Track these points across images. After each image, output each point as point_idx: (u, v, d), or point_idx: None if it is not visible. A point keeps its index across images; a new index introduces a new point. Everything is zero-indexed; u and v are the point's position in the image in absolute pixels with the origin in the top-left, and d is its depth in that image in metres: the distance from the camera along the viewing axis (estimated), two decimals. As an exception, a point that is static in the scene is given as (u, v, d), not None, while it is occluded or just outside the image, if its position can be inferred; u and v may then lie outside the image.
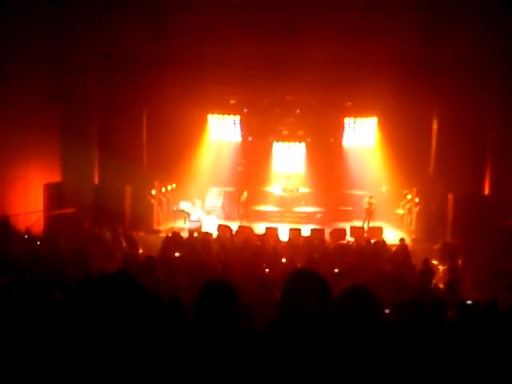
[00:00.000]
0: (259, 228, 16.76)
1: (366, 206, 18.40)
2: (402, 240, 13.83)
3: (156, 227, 17.64)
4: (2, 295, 4.66)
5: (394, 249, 13.39)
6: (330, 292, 2.28)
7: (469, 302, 6.75)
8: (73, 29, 16.29)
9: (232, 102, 20.56)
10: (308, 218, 19.67)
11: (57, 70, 16.38)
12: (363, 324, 2.45)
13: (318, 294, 2.22)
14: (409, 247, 13.57)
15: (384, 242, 14.09)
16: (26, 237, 12.91)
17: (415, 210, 17.36)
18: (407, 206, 18.20)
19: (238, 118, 21.31)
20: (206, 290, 2.86)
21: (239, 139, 21.81)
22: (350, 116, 20.84)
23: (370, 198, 18.43)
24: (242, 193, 19.37)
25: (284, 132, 21.72)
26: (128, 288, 1.95)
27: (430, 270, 10.78)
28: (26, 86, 14.52)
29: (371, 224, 18.09)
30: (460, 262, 12.24)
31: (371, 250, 12.96)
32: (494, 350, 3.00)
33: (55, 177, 16.97)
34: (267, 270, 10.10)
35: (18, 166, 14.83)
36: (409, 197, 18.20)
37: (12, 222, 13.24)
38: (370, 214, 18.28)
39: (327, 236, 15.40)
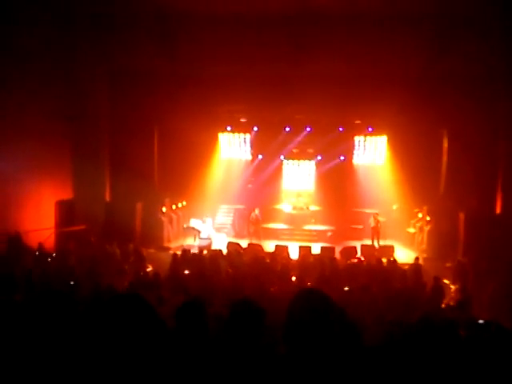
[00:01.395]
0: (269, 246, 16.74)
1: (372, 223, 18.31)
2: (416, 259, 13.73)
3: (166, 244, 17.68)
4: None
5: (405, 267, 13.28)
6: (335, 313, 2.24)
7: (480, 322, 6.65)
8: (83, 47, 16.52)
9: (242, 120, 20.73)
10: (318, 236, 19.61)
11: (68, 89, 16.56)
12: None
13: (324, 314, 2.19)
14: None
15: (395, 260, 13.98)
16: (38, 253, 12.99)
17: (426, 228, 17.23)
18: (418, 224, 18.06)
19: (248, 136, 21.46)
20: (236, 309, 2.87)
21: (249, 157, 21.93)
22: (360, 134, 20.91)
23: (377, 215, 18.35)
24: (252, 210, 19.38)
25: (294, 150, 21.79)
26: (139, 310, 1.98)
27: (439, 288, 10.68)
28: (38, 105, 14.69)
29: (381, 242, 17.98)
30: (471, 280, 12.11)
31: (382, 269, 12.87)
32: (499, 370, 2.97)
33: (67, 194, 17.10)
34: (275, 288, 10.05)
35: (31, 184, 14.96)
36: (420, 215, 18.08)
37: (24, 238, 13.35)
38: (377, 232, 18.17)
39: (338, 254, 15.32)
